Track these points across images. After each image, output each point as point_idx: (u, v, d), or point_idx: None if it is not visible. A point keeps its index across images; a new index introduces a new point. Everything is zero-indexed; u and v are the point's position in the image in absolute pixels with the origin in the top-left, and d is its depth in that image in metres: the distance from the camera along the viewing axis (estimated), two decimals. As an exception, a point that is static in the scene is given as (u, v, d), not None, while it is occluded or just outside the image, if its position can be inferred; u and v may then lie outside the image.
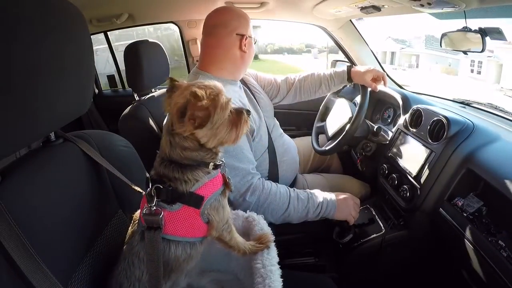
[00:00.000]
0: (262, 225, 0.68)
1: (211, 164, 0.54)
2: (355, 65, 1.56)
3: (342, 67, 1.15)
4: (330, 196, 0.89)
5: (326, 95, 1.28)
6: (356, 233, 0.98)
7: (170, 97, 0.52)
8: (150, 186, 0.52)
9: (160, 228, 0.50)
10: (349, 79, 1.10)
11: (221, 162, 0.56)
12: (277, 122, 1.13)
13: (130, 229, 0.57)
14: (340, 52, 1.63)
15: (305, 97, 1.20)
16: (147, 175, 0.54)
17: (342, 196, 0.91)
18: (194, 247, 0.55)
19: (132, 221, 0.58)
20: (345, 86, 1.23)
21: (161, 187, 0.51)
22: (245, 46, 0.90)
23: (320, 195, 0.89)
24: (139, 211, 0.56)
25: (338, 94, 1.27)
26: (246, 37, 0.89)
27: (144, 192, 0.62)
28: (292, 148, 1.13)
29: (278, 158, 1.02)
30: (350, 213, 0.90)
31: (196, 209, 0.52)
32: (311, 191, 0.90)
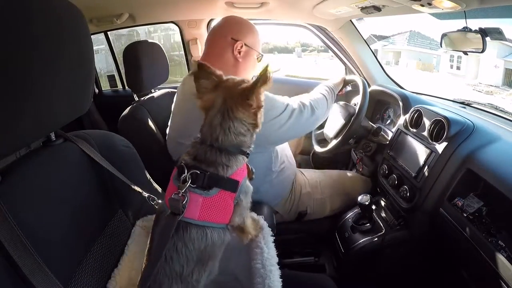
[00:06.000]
0: (262, 225, 0.68)
1: (247, 151, 0.57)
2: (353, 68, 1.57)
3: None
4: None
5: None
6: (375, 223, 0.99)
7: (199, 82, 0.55)
8: (184, 173, 0.51)
9: (178, 215, 0.49)
10: None
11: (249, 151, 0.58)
12: None
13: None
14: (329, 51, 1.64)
15: None
16: (181, 162, 0.53)
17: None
18: (226, 232, 0.55)
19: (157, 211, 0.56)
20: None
21: (198, 172, 0.51)
22: (238, 53, 0.89)
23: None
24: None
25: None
26: (242, 44, 0.89)
27: (143, 192, 0.62)
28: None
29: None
30: None
31: (232, 193, 0.53)
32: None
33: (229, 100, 0.53)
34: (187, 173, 0.51)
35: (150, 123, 1.08)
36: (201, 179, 0.51)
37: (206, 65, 0.56)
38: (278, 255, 0.63)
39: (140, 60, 1.11)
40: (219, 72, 0.56)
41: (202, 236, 0.51)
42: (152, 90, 1.28)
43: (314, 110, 0.91)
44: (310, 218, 1.10)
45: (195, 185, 0.51)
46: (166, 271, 0.50)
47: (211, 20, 1.65)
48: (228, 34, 0.89)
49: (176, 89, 1.05)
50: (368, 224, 1.00)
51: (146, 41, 1.20)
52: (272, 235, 0.66)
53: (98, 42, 1.81)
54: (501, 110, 1.11)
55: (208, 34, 0.95)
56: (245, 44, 0.90)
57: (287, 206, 1.07)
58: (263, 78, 0.50)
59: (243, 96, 0.52)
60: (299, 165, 1.32)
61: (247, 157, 0.57)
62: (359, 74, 1.53)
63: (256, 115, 0.54)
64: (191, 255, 0.50)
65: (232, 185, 0.53)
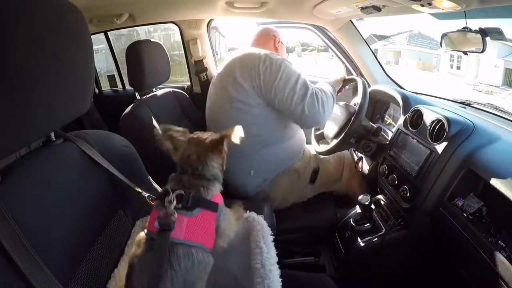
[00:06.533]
0: (262, 225, 0.68)
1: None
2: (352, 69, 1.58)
3: None
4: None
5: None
6: (375, 223, 0.99)
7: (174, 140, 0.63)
8: (169, 195, 0.54)
9: (171, 230, 0.51)
10: None
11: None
12: None
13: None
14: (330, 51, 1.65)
15: None
16: (167, 187, 0.57)
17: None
18: (209, 255, 0.57)
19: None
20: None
21: (183, 193, 0.55)
22: (277, 45, 1.29)
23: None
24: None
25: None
26: (279, 40, 1.30)
27: (142, 192, 0.62)
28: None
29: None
30: None
31: (213, 213, 0.58)
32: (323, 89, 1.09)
33: (202, 148, 0.61)
34: (173, 194, 0.54)
35: (153, 121, 1.08)
36: (186, 200, 0.55)
37: (172, 128, 0.64)
38: (278, 255, 0.63)
39: (142, 59, 1.12)
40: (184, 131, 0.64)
41: (189, 254, 0.52)
42: (154, 89, 1.29)
43: (325, 109, 1.05)
44: (321, 177, 1.24)
45: (180, 206, 0.54)
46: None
47: (211, 20, 1.65)
48: (271, 33, 1.31)
49: (177, 88, 1.06)
50: (368, 224, 1.00)
51: (148, 40, 1.21)
52: (272, 235, 0.66)
53: (98, 42, 1.81)
54: (501, 110, 1.10)
55: (257, 33, 1.31)
56: (281, 42, 1.31)
57: (302, 166, 1.23)
58: (229, 133, 0.60)
59: (214, 145, 0.61)
60: None
61: (221, 187, 0.64)
62: (359, 75, 1.53)
63: (224, 159, 0.63)
64: (177, 278, 0.50)
65: (213, 206, 0.58)
